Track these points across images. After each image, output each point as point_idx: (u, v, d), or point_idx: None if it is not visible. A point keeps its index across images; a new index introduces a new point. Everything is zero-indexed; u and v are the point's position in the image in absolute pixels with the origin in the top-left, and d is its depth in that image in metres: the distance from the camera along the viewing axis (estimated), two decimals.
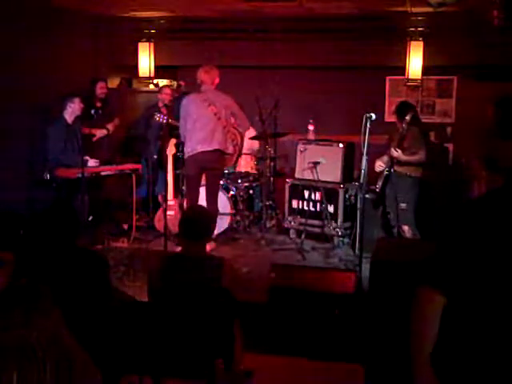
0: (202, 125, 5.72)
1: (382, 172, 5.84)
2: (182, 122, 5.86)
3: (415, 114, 5.88)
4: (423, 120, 6.75)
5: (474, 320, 1.84)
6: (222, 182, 6.60)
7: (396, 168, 5.76)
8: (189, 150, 5.81)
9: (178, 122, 6.05)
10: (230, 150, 6.04)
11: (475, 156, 6.00)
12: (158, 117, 6.37)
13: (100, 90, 6.79)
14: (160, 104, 6.92)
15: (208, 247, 5.76)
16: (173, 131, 6.32)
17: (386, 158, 5.82)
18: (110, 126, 6.81)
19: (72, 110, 6.11)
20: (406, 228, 5.74)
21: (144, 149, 7.14)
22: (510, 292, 1.77)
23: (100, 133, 6.67)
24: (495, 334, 1.80)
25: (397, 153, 5.65)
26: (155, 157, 6.86)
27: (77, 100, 6.13)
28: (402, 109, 5.81)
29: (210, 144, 5.74)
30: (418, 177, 5.77)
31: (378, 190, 5.85)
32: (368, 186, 5.62)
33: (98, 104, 6.83)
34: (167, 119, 6.33)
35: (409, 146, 5.71)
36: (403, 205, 5.70)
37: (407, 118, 5.60)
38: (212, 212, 5.82)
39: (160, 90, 7.14)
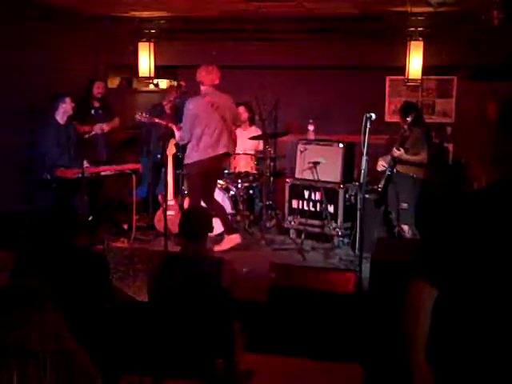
0: (211, 130, 5.70)
1: (384, 171, 5.83)
2: (187, 126, 5.73)
3: (418, 114, 5.87)
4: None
5: (466, 311, 1.86)
6: (222, 182, 6.61)
7: (398, 168, 5.75)
8: (195, 155, 5.75)
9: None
10: (233, 150, 6.05)
11: (475, 156, 6.00)
12: (139, 116, 6.36)
13: (97, 89, 6.75)
14: (166, 104, 6.86)
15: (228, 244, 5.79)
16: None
17: (388, 157, 5.81)
18: (106, 126, 6.73)
19: (64, 110, 6.06)
20: (406, 228, 5.74)
21: (148, 148, 7.09)
22: (502, 283, 1.78)
23: (97, 128, 6.57)
24: (488, 325, 1.81)
25: (399, 152, 5.65)
26: (158, 156, 6.84)
27: (68, 99, 6.07)
28: (406, 109, 5.80)
29: (218, 148, 5.75)
30: (419, 177, 5.77)
31: (380, 189, 5.85)
32: (368, 186, 5.62)
33: (96, 104, 6.81)
34: (149, 118, 6.35)
35: (411, 147, 5.70)
36: (404, 205, 5.70)
37: (409, 118, 5.59)
38: (219, 208, 5.89)
39: (168, 89, 7.04)
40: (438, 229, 1.94)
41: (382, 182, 5.84)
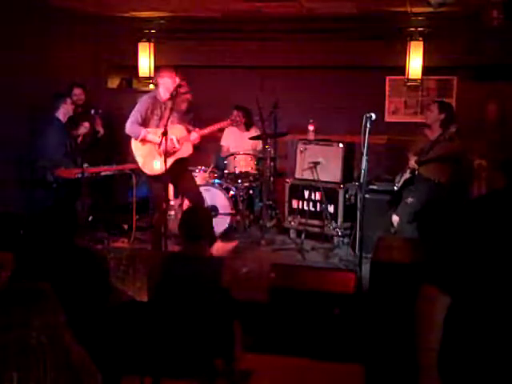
0: None
1: (404, 171, 5.76)
2: None
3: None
4: (423, 120, 6.73)
5: (479, 320, 1.84)
6: (221, 182, 6.61)
7: (421, 170, 5.60)
8: None
9: None
10: None
11: (476, 156, 5.98)
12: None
13: (75, 96, 6.41)
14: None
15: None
16: None
17: (413, 159, 5.70)
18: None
19: (65, 110, 6.09)
20: (396, 218, 5.59)
21: None
22: None
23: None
24: (500, 335, 1.80)
25: (414, 160, 5.55)
26: None
27: (69, 100, 6.11)
28: (449, 117, 5.62)
29: None
30: (442, 182, 5.56)
31: (396, 188, 5.75)
32: (368, 186, 5.60)
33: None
34: None
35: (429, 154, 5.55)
36: (410, 199, 5.59)
37: (453, 129, 5.40)
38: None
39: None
40: (451, 236, 1.91)
41: (400, 183, 5.74)
